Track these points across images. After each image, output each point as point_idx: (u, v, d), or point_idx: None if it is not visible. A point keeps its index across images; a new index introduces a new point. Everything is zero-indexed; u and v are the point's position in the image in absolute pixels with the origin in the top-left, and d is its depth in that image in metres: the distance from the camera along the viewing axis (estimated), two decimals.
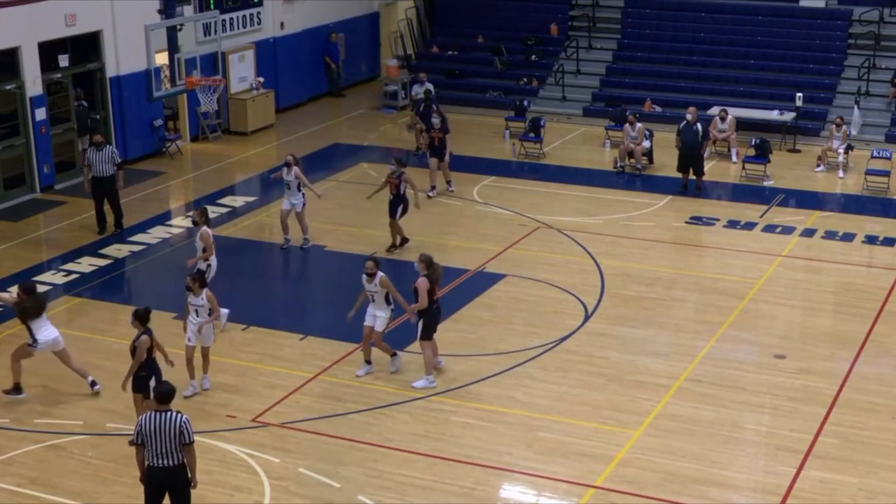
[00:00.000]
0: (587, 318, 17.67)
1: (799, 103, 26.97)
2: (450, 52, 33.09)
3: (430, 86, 28.78)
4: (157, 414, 11.28)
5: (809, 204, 23.20)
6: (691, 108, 24.07)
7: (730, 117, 25.97)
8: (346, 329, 16.59)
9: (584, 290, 18.65)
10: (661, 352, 16.57)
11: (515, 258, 20.07)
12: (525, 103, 29.32)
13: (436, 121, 23.25)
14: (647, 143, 25.33)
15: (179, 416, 11.30)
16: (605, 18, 32.37)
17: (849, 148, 25.26)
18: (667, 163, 25.03)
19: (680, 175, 23.74)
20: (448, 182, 23.54)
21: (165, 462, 11.28)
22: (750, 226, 21.81)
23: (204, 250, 17.57)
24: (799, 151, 26.64)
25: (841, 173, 24.93)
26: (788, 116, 27.17)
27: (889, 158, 24.44)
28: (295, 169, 20.08)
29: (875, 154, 24.76)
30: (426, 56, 33.36)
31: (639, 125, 25.20)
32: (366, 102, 31.65)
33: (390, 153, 26.90)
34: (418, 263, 15.36)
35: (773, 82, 29.14)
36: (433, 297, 15.30)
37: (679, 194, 23.51)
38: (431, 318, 15.35)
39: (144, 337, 13.56)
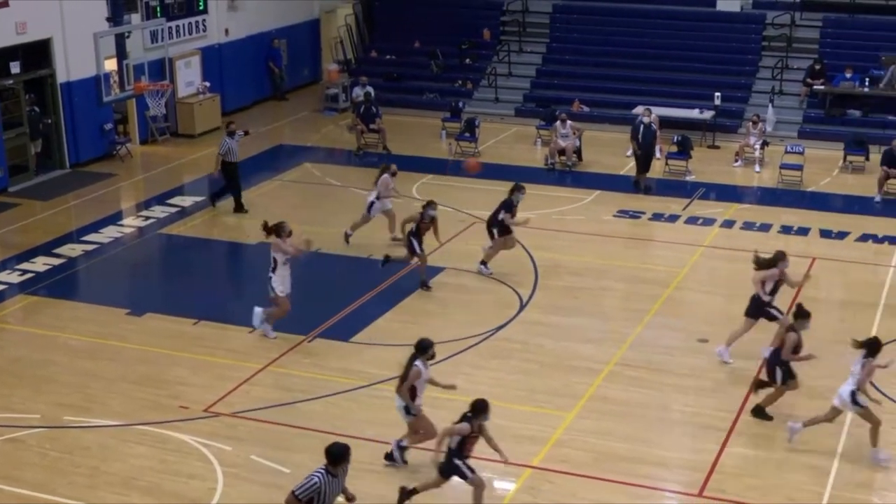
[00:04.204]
0: (522, 307, 18.02)
1: (717, 102, 27.68)
2: (388, 57, 33.33)
3: (370, 88, 29.06)
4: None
5: (728, 197, 23.77)
6: (645, 110, 24.44)
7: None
8: (293, 322, 16.82)
9: (519, 281, 19.01)
10: (592, 338, 16.89)
11: (454, 251, 20.25)
12: (460, 104, 29.69)
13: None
14: (576, 142, 25.89)
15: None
16: (534, 24, 32.79)
17: (764, 144, 25.96)
18: (595, 160, 25.54)
19: (633, 174, 24.22)
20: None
21: None
22: (673, 218, 22.35)
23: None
24: (718, 147, 27.30)
25: (757, 168, 25.65)
26: (708, 115, 27.80)
27: (802, 153, 25.11)
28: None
29: (789, 149, 25.41)
30: (366, 60, 33.52)
31: (570, 122, 25.72)
32: (308, 105, 31.87)
33: (333, 154, 27.18)
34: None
35: (693, 83, 29.61)
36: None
37: (634, 192, 23.93)
38: None
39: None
